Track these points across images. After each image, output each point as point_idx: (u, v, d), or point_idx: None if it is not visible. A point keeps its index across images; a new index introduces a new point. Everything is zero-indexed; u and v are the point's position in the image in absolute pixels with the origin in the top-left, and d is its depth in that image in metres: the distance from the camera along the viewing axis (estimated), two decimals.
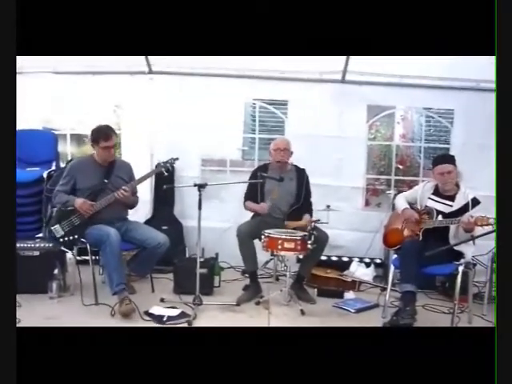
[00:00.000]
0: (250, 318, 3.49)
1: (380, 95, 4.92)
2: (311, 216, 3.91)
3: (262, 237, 3.64)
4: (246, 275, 4.12)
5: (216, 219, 4.80)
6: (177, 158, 3.77)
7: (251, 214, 4.10)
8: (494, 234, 2.61)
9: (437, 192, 3.61)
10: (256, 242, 3.82)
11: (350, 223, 4.88)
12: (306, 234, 3.60)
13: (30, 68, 4.75)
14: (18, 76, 4.47)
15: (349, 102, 4.88)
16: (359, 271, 4.56)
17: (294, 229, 3.75)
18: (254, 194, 4.02)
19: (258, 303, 3.74)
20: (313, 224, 3.67)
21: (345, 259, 4.75)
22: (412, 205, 3.70)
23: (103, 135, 3.64)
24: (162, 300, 3.69)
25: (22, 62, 4.42)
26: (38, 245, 3.82)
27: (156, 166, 4.57)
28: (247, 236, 3.81)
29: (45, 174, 4.55)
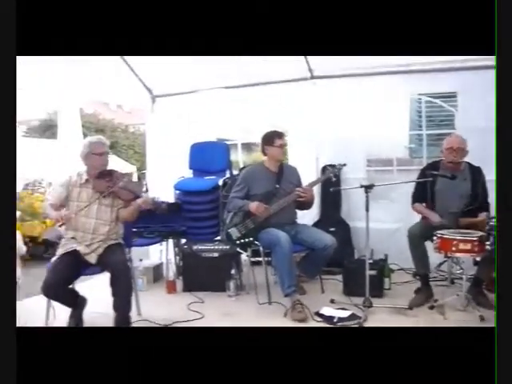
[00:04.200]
0: (424, 322, 3.34)
1: None
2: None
3: (434, 238, 3.46)
4: (418, 278, 3.94)
5: (384, 220, 4.70)
6: (344, 164, 3.83)
7: None
8: None
9: None
10: (428, 243, 3.66)
11: None
12: (484, 234, 3.34)
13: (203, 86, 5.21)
14: (192, 94, 5.07)
15: None
16: None
17: (467, 227, 3.49)
18: (423, 194, 3.83)
19: (431, 307, 3.55)
20: (491, 223, 3.38)
21: None
22: None
23: (277, 134, 3.89)
24: (333, 301, 3.74)
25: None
26: (216, 247, 4.18)
27: (322, 170, 4.71)
28: (418, 237, 3.66)
29: (220, 182, 4.89)
